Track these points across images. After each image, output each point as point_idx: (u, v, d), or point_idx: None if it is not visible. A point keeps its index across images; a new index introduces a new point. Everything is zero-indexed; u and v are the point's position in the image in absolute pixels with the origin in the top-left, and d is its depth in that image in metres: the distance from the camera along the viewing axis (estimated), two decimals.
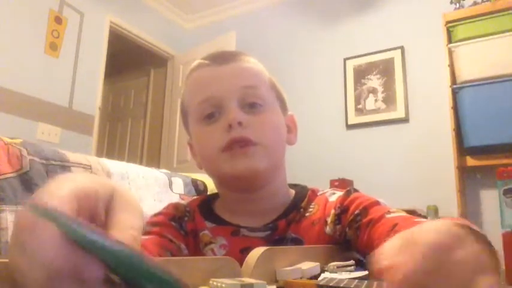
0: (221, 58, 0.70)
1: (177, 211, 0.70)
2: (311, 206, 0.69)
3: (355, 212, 0.64)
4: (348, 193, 0.68)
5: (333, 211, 0.67)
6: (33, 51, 2.82)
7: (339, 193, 0.70)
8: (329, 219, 0.66)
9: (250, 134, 0.64)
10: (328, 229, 0.66)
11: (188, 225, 0.68)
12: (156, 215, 0.70)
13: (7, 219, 0.76)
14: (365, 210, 0.63)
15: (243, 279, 0.38)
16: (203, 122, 0.67)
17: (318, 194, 0.72)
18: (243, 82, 0.68)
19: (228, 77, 0.68)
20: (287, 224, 0.67)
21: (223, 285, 0.34)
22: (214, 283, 0.35)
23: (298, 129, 0.76)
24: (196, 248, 0.67)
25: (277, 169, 0.70)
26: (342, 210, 0.66)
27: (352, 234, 0.63)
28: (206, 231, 0.68)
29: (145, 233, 0.62)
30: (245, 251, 0.64)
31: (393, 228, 0.56)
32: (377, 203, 0.64)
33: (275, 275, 0.45)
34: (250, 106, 0.67)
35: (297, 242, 0.64)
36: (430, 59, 2.95)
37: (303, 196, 0.71)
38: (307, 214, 0.68)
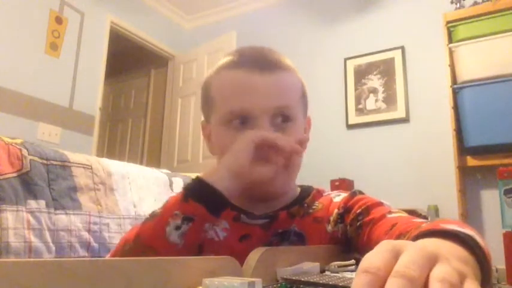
0: (262, 64, 0.69)
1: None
2: (315, 204, 0.71)
3: (358, 211, 0.65)
4: (353, 194, 0.69)
5: (336, 210, 0.68)
6: (34, 51, 2.83)
7: (344, 195, 0.71)
8: (331, 218, 0.68)
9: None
10: (329, 228, 0.67)
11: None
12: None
13: (7, 219, 0.76)
14: (367, 210, 0.64)
15: (242, 278, 0.38)
16: (231, 126, 0.67)
17: (324, 194, 0.74)
18: (279, 102, 0.68)
19: (265, 93, 0.67)
20: (289, 216, 0.68)
21: (216, 283, 0.34)
22: (215, 282, 0.35)
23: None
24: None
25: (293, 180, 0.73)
26: (346, 210, 0.67)
27: (353, 232, 0.64)
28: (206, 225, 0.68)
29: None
30: (244, 238, 0.66)
31: (392, 228, 0.57)
32: (380, 203, 0.65)
33: (276, 275, 0.45)
34: (282, 120, 0.68)
35: (300, 236, 0.66)
36: (430, 59, 2.95)
37: (307, 194, 0.73)
38: (310, 211, 0.69)
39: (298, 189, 0.75)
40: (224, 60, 0.72)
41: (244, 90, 0.67)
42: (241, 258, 0.62)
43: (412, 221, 0.56)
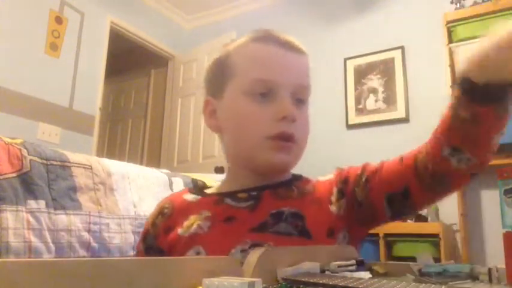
0: (289, 43, 0.71)
1: (153, 217, 0.77)
2: (307, 187, 0.71)
3: (357, 174, 0.67)
4: (340, 169, 0.72)
5: (335, 188, 0.69)
6: (33, 51, 2.83)
7: (329, 175, 0.73)
8: (333, 198, 0.68)
9: (296, 132, 0.67)
10: (334, 208, 0.67)
11: (163, 224, 0.73)
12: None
13: (7, 219, 0.76)
14: (364, 169, 0.67)
15: (242, 278, 0.38)
16: (253, 98, 0.68)
17: (311, 181, 0.75)
18: (303, 81, 0.71)
19: (293, 69, 0.70)
20: (275, 196, 0.68)
21: (216, 283, 0.34)
22: (215, 282, 0.35)
23: None
24: (170, 245, 0.70)
25: None
26: (344, 182, 0.68)
27: (362, 191, 0.65)
28: (191, 216, 0.70)
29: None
30: (229, 220, 0.67)
31: (400, 160, 0.63)
32: (368, 163, 0.69)
33: (276, 275, 0.45)
34: (297, 101, 0.69)
35: (298, 216, 0.66)
36: (430, 59, 2.95)
37: (298, 178, 0.75)
38: (304, 193, 0.70)
39: (290, 174, 0.76)
40: (247, 36, 0.73)
41: (275, 62, 0.69)
42: (228, 237, 0.64)
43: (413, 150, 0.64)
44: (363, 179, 0.65)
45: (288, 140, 0.67)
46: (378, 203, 0.65)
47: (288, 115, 0.66)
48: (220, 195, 0.71)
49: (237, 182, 0.73)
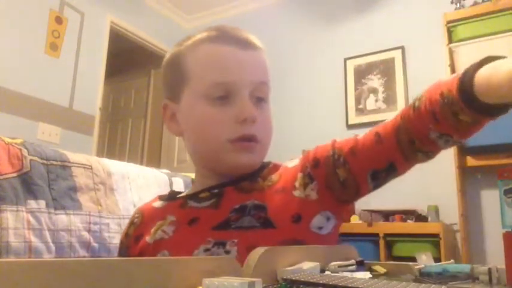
0: (243, 40, 0.69)
1: (125, 228, 0.79)
2: (271, 177, 0.70)
3: (329, 155, 0.66)
4: (305, 153, 0.70)
5: (300, 174, 0.68)
6: (34, 51, 2.83)
7: (296, 160, 0.72)
8: (297, 183, 0.67)
9: (257, 133, 0.67)
10: (298, 192, 0.67)
11: (134, 232, 0.75)
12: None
13: (7, 219, 0.76)
14: (335, 148, 0.66)
15: (242, 278, 0.38)
16: (212, 101, 0.67)
17: (280, 166, 0.74)
18: (261, 77, 0.69)
19: (250, 67, 0.69)
20: (239, 191, 0.68)
21: (216, 283, 0.34)
22: (215, 282, 0.35)
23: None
24: (140, 253, 0.71)
25: None
26: (313, 165, 0.67)
27: (343, 171, 0.64)
28: (157, 223, 0.71)
29: None
30: (193, 222, 0.67)
31: (378, 138, 0.61)
32: (335, 140, 0.68)
33: (276, 275, 0.45)
34: (257, 100, 0.69)
35: (260, 208, 0.65)
36: (430, 59, 2.95)
37: (264, 166, 0.73)
38: (269, 184, 0.69)
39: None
40: (200, 35, 0.70)
41: (231, 63, 0.67)
42: (192, 239, 0.64)
43: (387, 121, 0.63)
44: (341, 160, 0.64)
45: (250, 141, 0.67)
46: (360, 179, 0.64)
47: (248, 117, 0.65)
48: (184, 198, 0.71)
49: (203, 183, 0.73)
